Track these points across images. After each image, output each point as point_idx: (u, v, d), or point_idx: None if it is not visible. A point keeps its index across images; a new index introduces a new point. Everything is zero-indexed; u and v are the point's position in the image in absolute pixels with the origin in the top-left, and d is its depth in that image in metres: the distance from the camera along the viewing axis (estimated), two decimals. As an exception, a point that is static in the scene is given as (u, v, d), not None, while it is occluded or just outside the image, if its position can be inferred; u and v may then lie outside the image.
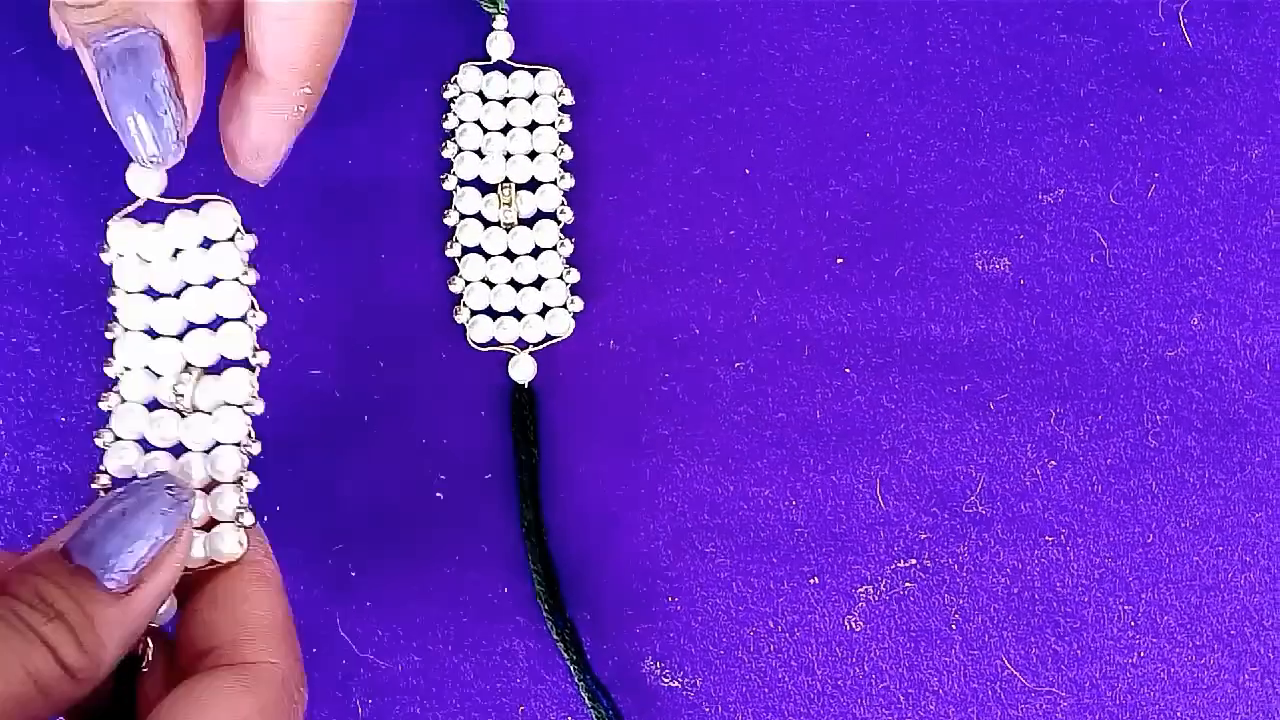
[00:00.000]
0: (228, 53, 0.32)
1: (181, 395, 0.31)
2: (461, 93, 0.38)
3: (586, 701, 0.35)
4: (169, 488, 0.28)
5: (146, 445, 0.31)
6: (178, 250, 0.32)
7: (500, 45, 0.38)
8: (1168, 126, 0.39)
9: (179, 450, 0.31)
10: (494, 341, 0.37)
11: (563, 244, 0.37)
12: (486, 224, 0.38)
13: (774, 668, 0.36)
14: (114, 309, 0.32)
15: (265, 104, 0.31)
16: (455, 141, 0.38)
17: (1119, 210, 0.39)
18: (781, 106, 0.39)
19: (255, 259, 0.32)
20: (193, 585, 0.29)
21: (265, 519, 0.36)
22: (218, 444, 0.31)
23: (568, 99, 0.38)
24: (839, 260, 0.38)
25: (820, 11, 0.39)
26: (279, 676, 0.27)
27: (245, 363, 0.32)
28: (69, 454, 0.36)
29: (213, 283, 0.32)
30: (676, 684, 0.36)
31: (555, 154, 0.38)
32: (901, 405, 0.37)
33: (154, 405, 0.32)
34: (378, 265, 0.37)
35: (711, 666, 0.36)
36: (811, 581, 0.37)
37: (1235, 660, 0.37)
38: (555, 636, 0.35)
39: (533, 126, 0.38)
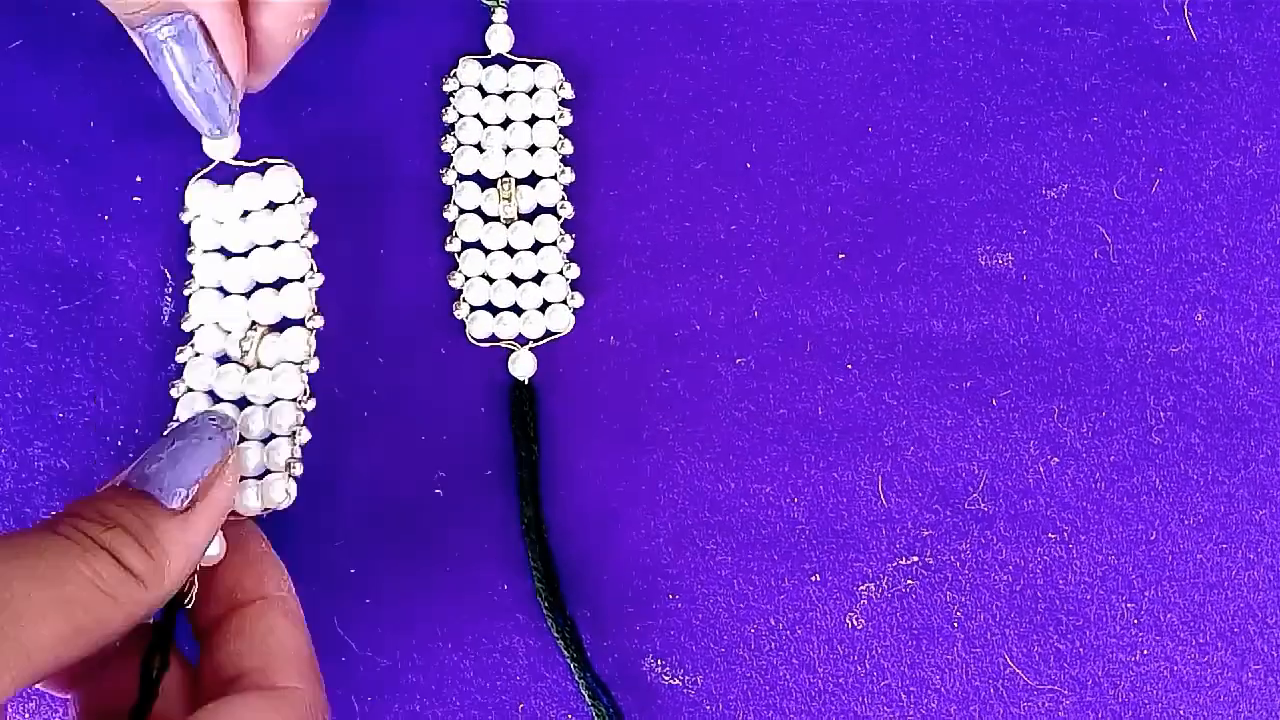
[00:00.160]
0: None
1: (247, 351, 0.34)
2: (461, 86, 0.38)
3: (587, 699, 0.35)
4: (212, 419, 0.31)
5: (215, 398, 0.34)
6: (246, 212, 0.35)
7: (500, 39, 0.38)
8: (1172, 121, 0.39)
9: (243, 403, 0.34)
10: (494, 337, 0.37)
11: (563, 239, 0.37)
12: (486, 219, 0.38)
13: (775, 665, 0.36)
14: (192, 266, 0.35)
15: (273, 22, 0.33)
16: (455, 136, 0.38)
17: (1123, 205, 0.38)
18: (783, 101, 0.39)
19: None
20: (219, 620, 0.31)
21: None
22: (276, 399, 0.34)
23: (568, 93, 0.38)
24: (841, 255, 0.38)
25: (822, 5, 0.39)
26: (305, 701, 0.29)
27: (302, 323, 0.35)
28: (66, 450, 0.36)
29: (277, 244, 0.35)
30: (677, 682, 0.36)
31: (555, 148, 0.38)
32: (904, 402, 0.37)
33: (223, 360, 0.35)
34: (377, 260, 0.37)
35: (712, 664, 0.36)
36: (813, 579, 0.37)
37: (1239, 658, 0.37)
38: (555, 634, 0.35)
39: (533, 121, 0.38)
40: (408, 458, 0.36)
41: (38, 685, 0.27)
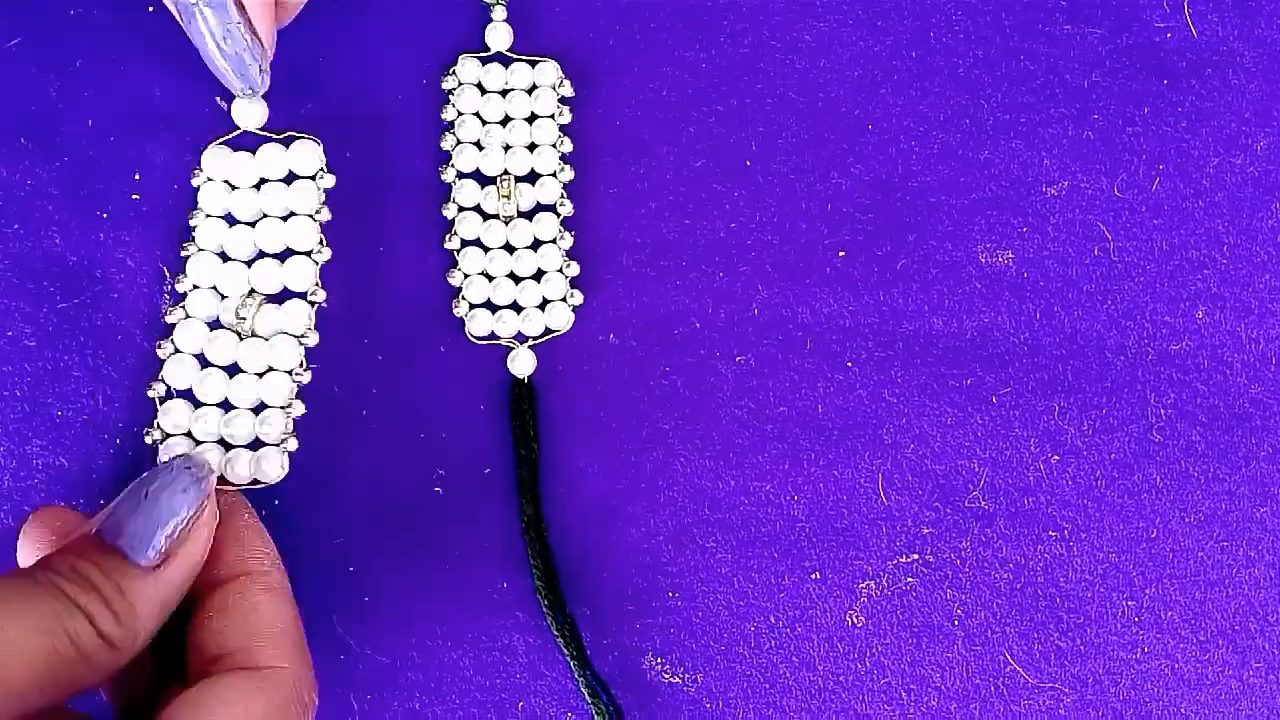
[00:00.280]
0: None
1: (243, 319, 0.34)
2: (460, 84, 0.38)
3: (586, 697, 0.35)
4: (188, 468, 0.30)
5: (204, 361, 0.35)
6: (262, 181, 0.36)
7: (499, 36, 0.38)
8: (1173, 118, 0.39)
9: (234, 370, 0.35)
10: (493, 335, 0.37)
11: (562, 237, 0.37)
12: (486, 217, 0.37)
13: (775, 663, 0.36)
14: (193, 229, 0.35)
15: None
16: (454, 133, 0.38)
17: (1123, 203, 0.38)
18: (783, 98, 0.39)
19: None
20: (202, 594, 0.31)
21: (264, 513, 0.36)
22: (271, 369, 0.35)
23: (567, 91, 0.38)
24: (841, 253, 0.38)
25: (822, 3, 0.39)
26: (290, 680, 0.29)
27: (305, 296, 0.35)
28: (65, 448, 0.36)
29: (287, 216, 0.36)
30: (677, 680, 0.36)
31: (555, 146, 0.38)
32: (903, 399, 0.37)
33: (214, 325, 0.35)
34: (376, 258, 0.37)
35: (712, 662, 0.36)
36: (813, 577, 0.37)
37: (1239, 656, 0.37)
38: (555, 632, 0.35)
39: (532, 118, 0.38)
40: (407, 456, 0.36)
41: None
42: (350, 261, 0.37)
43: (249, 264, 0.36)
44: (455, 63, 0.38)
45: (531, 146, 0.38)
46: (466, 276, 0.37)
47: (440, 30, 0.38)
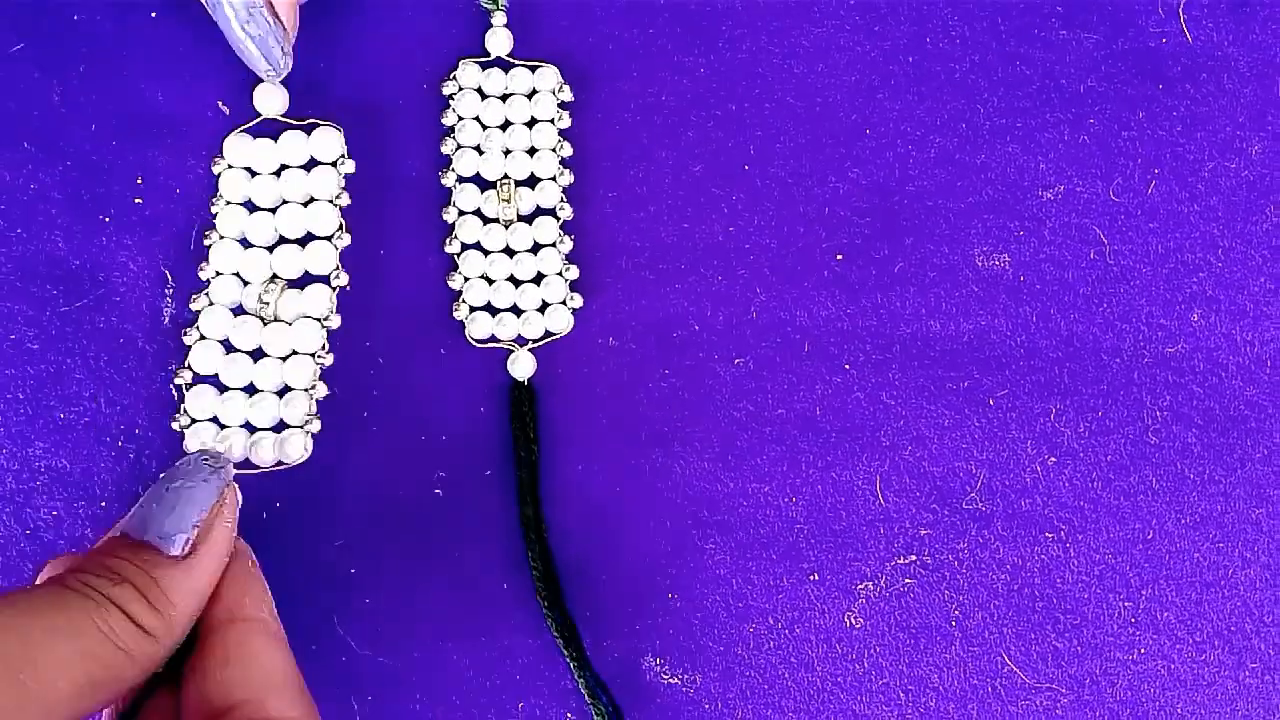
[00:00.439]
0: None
1: (266, 304, 0.35)
2: (460, 89, 0.38)
3: (586, 698, 0.35)
4: (205, 460, 0.31)
5: (229, 347, 0.35)
6: (282, 167, 0.36)
7: (499, 41, 0.38)
8: (1168, 123, 0.39)
9: (258, 355, 0.35)
10: (493, 338, 0.37)
11: (562, 240, 0.37)
12: (486, 220, 0.38)
13: (774, 664, 0.36)
14: (214, 216, 0.36)
15: None
16: (454, 138, 0.38)
17: (1119, 206, 0.39)
18: (781, 103, 0.39)
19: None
20: (201, 637, 0.30)
21: (264, 515, 0.36)
22: (294, 353, 0.35)
23: (567, 95, 0.38)
24: (839, 256, 0.38)
25: (820, 8, 0.39)
26: None
27: (326, 280, 0.36)
28: (67, 450, 0.36)
29: (308, 202, 0.36)
30: (676, 681, 0.36)
31: (554, 150, 0.38)
32: (901, 402, 0.37)
33: (238, 311, 0.36)
34: (377, 261, 0.37)
35: (711, 663, 0.36)
36: (811, 578, 0.37)
37: (1236, 656, 0.37)
38: (555, 633, 0.35)
39: (532, 123, 0.38)
40: (407, 458, 0.36)
41: None
42: (351, 265, 0.37)
43: (270, 249, 0.36)
44: (456, 67, 0.38)
45: (531, 151, 0.38)
46: (467, 280, 0.37)
47: (440, 35, 0.39)
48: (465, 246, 0.37)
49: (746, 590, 0.37)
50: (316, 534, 0.36)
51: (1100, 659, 0.37)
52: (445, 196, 0.38)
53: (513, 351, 0.37)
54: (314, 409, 0.35)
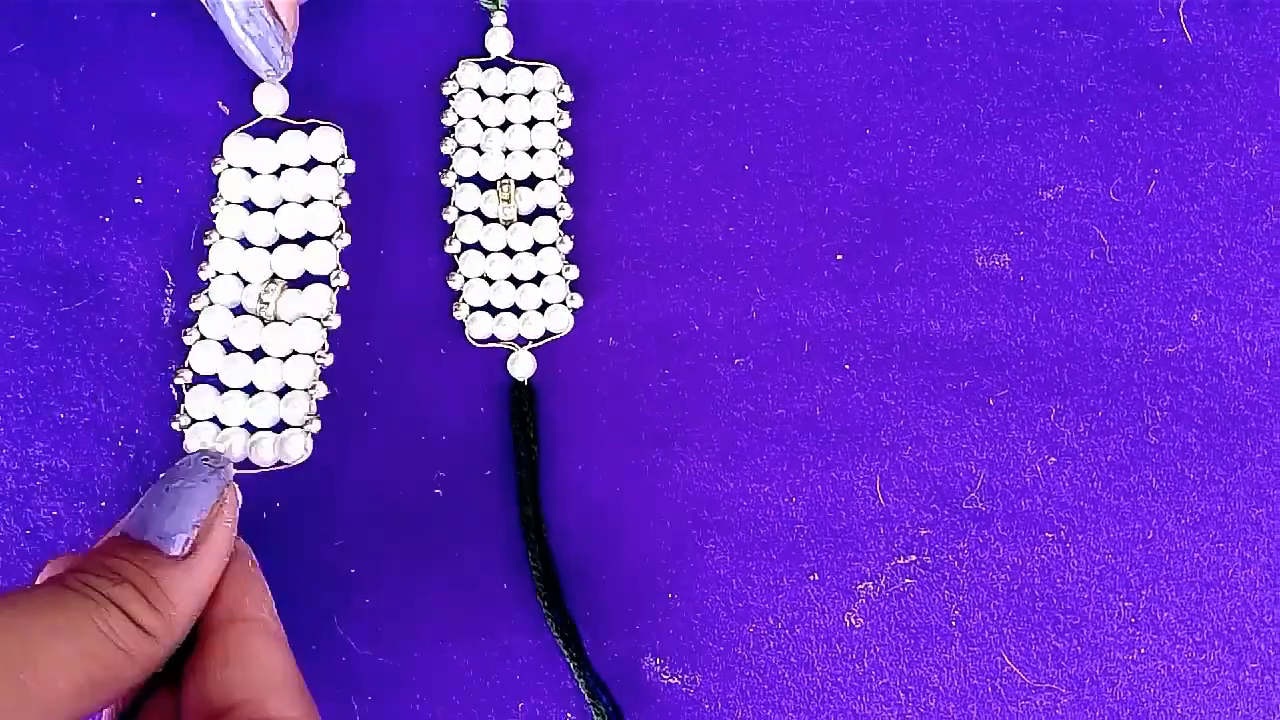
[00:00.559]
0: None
1: (266, 303, 0.35)
2: (460, 89, 0.38)
3: (586, 698, 0.35)
4: (205, 459, 0.31)
5: (229, 347, 0.35)
6: (282, 167, 0.36)
7: (499, 41, 0.38)
8: (1168, 123, 0.39)
9: (258, 355, 0.35)
10: (493, 338, 0.37)
11: (562, 240, 0.37)
12: (486, 220, 0.38)
13: (774, 664, 0.36)
14: (214, 216, 0.36)
15: None
16: (454, 138, 0.38)
17: (1119, 206, 0.39)
18: (781, 103, 0.39)
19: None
20: (201, 637, 0.30)
21: (264, 515, 0.36)
22: (294, 353, 0.35)
23: (567, 95, 0.38)
24: (839, 256, 0.38)
25: (820, 8, 0.39)
26: None
27: (326, 280, 0.36)
28: (67, 450, 0.36)
29: (308, 202, 0.36)
30: (676, 681, 0.36)
31: (554, 150, 0.38)
32: (901, 402, 0.37)
33: (238, 311, 0.36)
34: (377, 261, 0.37)
35: (711, 663, 0.36)
36: (811, 578, 0.37)
37: (1235, 656, 0.37)
38: (555, 633, 0.35)
39: (532, 123, 0.38)
40: (407, 458, 0.36)
41: None
42: (351, 265, 0.37)
43: (270, 250, 0.36)
44: (456, 67, 0.38)
45: (531, 151, 0.38)
46: (467, 280, 0.37)
47: (440, 35, 0.39)
48: (465, 246, 0.37)
49: (746, 590, 0.37)
50: (316, 534, 0.36)
51: (1100, 659, 0.37)
52: (445, 196, 0.38)
53: (513, 351, 0.37)
54: (314, 409, 0.35)
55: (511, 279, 0.37)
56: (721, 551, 0.37)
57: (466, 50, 0.38)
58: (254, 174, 0.36)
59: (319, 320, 0.36)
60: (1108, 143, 0.39)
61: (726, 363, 0.37)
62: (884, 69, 0.39)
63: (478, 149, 0.38)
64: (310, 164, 0.37)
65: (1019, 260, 0.38)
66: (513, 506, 0.36)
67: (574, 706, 0.36)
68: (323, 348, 0.35)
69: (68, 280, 0.37)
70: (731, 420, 0.37)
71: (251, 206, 0.36)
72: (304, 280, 0.36)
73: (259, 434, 0.35)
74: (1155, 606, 0.37)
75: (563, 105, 0.38)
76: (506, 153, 0.38)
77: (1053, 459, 0.37)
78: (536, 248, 0.38)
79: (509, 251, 0.38)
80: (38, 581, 0.30)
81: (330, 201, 0.36)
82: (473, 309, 0.37)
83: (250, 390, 0.35)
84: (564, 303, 0.37)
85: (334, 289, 0.36)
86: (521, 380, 0.37)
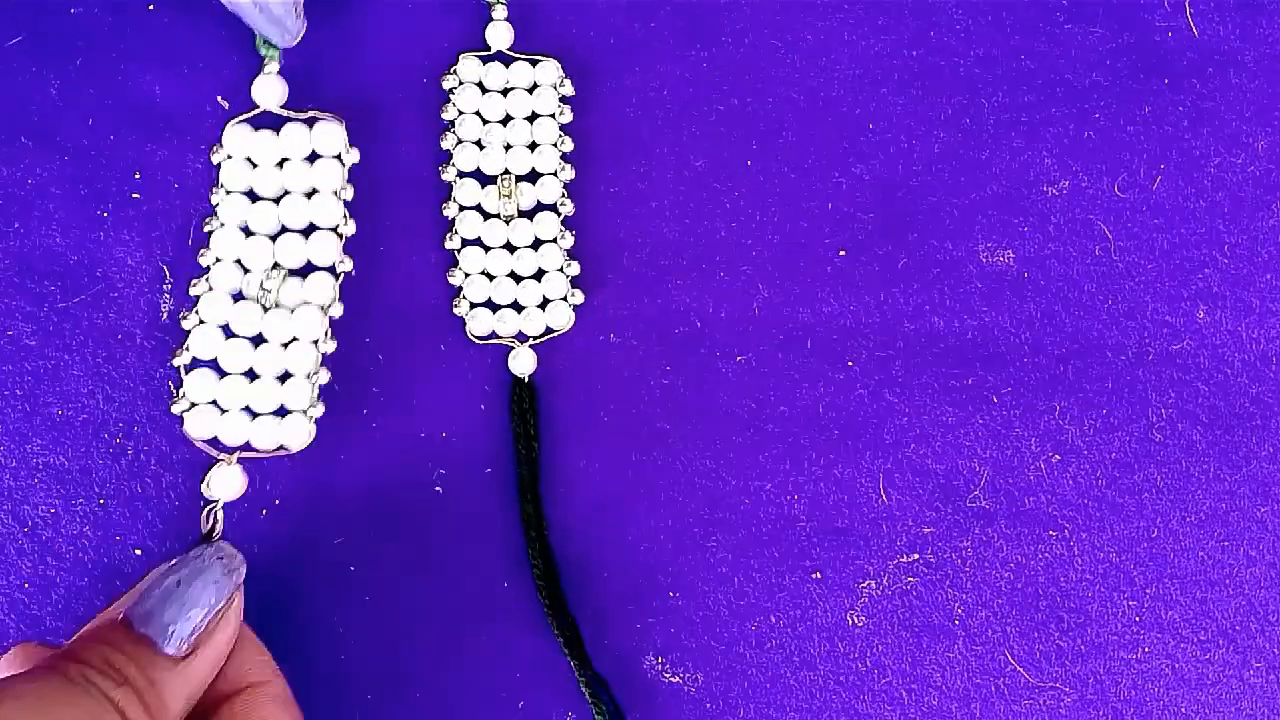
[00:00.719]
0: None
1: (268, 291, 0.35)
2: (461, 83, 0.38)
3: (587, 697, 0.35)
4: (220, 557, 0.31)
5: (228, 332, 0.35)
6: (284, 160, 0.36)
7: (500, 35, 0.38)
8: (1174, 118, 0.39)
9: (258, 340, 0.35)
10: (494, 334, 0.37)
11: (563, 236, 0.37)
12: (486, 216, 0.37)
13: (776, 663, 0.36)
14: (215, 205, 0.36)
15: None
16: (454, 132, 0.38)
17: (1124, 202, 0.38)
18: (783, 98, 0.39)
19: None
20: (206, 711, 0.30)
21: (264, 513, 0.36)
22: (295, 339, 0.35)
23: (568, 90, 0.38)
24: (841, 253, 0.38)
25: (823, 2, 0.39)
26: None
27: (331, 268, 0.36)
28: (65, 447, 0.36)
29: (311, 193, 0.36)
30: (678, 679, 0.36)
31: (555, 145, 0.38)
32: (904, 399, 0.37)
33: (238, 297, 0.36)
34: (376, 257, 0.37)
35: (713, 662, 0.36)
36: (814, 576, 0.37)
37: (1240, 655, 0.37)
38: (555, 632, 0.35)
39: (533, 118, 0.38)
40: (407, 455, 0.36)
41: None
42: (350, 260, 0.37)
43: (273, 239, 0.36)
44: (456, 61, 0.38)
45: (532, 145, 0.38)
46: (467, 275, 0.37)
47: (441, 29, 0.38)
48: (466, 242, 0.37)
49: (748, 588, 0.36)
50: (316, 532, 0.36)
51: (1104, 658, 0.36)
52: (445, 191, 0.37)
53: (513, 348, 0.37)
54: (317, 394, 0.35)
55: (512, 275, 0.37)
56: (723, 549, 0.37)
57: (467, 44, 0.38)
58: (254, 165, 0.36)
59: (322, 308, 0.35)
60: (1113, 138, 0.39)
61: (728, 359, 0.37)
62: (887, 64, 0.39)
63: (478, 144, 0.38)
64: (312, 157, 0.36)
65: (1023, 256, 0.38)
66: (513, 504, 0.36)
67: (574, 705, 0.36)
68: (325, 334, 0.35)
69: (65, 276, 0.36)
70: (733, 417, 0.37)
71: (253, 196, 0.36)
72: (306, 269, 0.36)
73: (260, 419, 0.35)
74: (1159, 605, 0.37)
75: (564, 100, 0.38)
76: (507, 147, 0.38)
77: (1057, 456, 0.37)
78: (537, 243, 0.37)
79: (509, 247, 0.37)
80: (2, 660, 0.30)
81: (335, 194, 0.36)
82: (473, 305, 0.37)
83: (251, 375, 0.35)
84: (565, 299, 0.37)
85: (338, 276, 0.36)
86: (522, 377, 0.37)
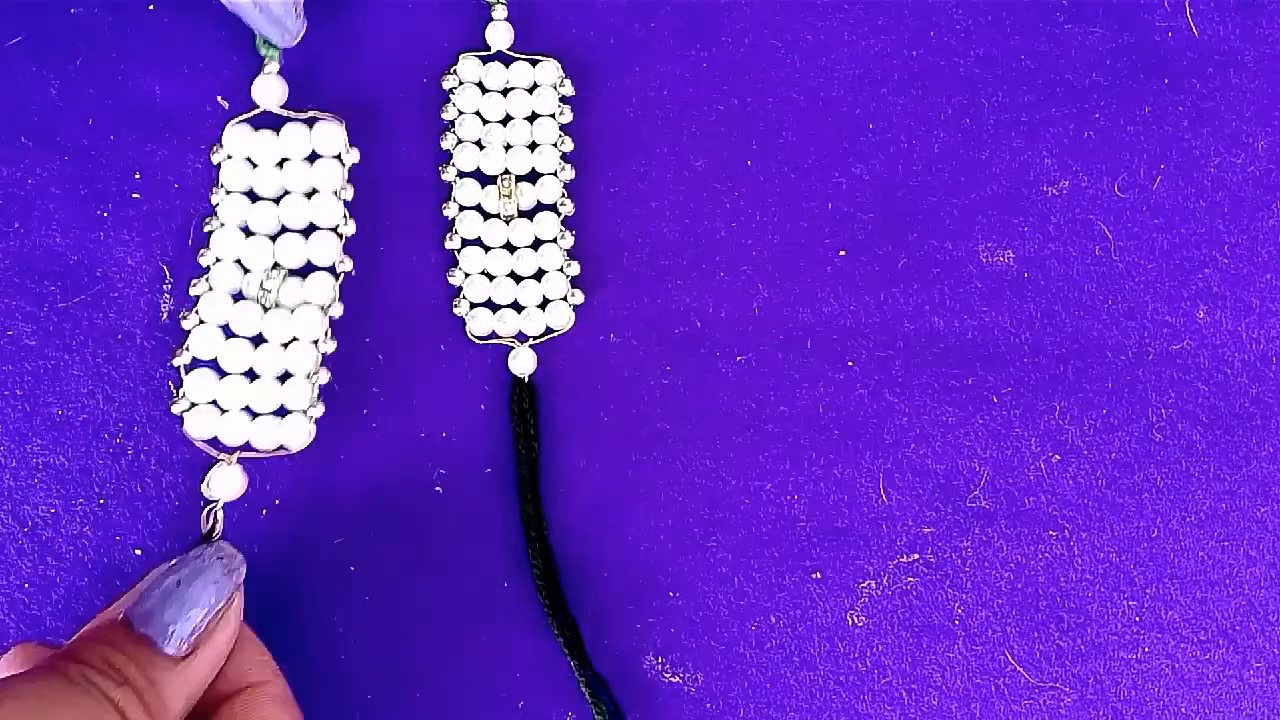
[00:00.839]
0: None
1: (268, 291, 0.35)
2: (461, 83, 0.38)
3: (587, 697, 0.35)
4: (220, 558, 0.30)
5: (228, 332, 0.35)
6: (284, 160, 0.36)
7: (500, 35, 0.38)
8: (1174, 118, 0.39)
9: (259, 340, 0.35)
10: (494, 334, 0.37)
11: (563, 236, 0.37)
12: (486, 216, 0.37)
13: (776, 663, 0.36)
14: (215, 205, 0.36)
15: None
16: (454, 132, 0.38)
17: (1124, 202, 0.38)
18: (783, 98, 0.39)
19: None
20: (207, 711, 0.30)
21: (264, 513, 0.36)
22: (295, 339, 0.35)
23: (568, 90, 0.38)
24: (841, 253, 0.38)
25: (823, 2, 0.39)
26: None
27: (331, 268, 0.36)
28: (65, 447, 0.36)
29: (311, 193, 0.36)
30: (678, 679, 0.36)
31: (555, 145, 0.38)
32: (904, 399, 0.37)
33: (238, 297, 0.36)
34: (376, 257, 0.37)
35: (713, 662, 0.36)
36: (814, 576, 0.37)
37: (1240, 655, 0.37)
38: (555, 632, 0.35)
39: (533, 118, 0.38)
40: (407, 455, 0.36)
41: None
42: (350, 260, 0.37)
43: (273, 239, 0.36)
44: (456, 61, 0.38)
45: (532, 145, 0.38)
46: (467, 275, 0.37)
47: (441, 29, 0.38)
48: (466, 242, 0.37)
49: (748, 588, 0.36)
50: (316, 532, 0.36)
51: (1104, 658, 0.36)
52: (445, 192, 0.37)
53: (513, 348, 0.37)
54: (317, 394, 0.35)
55: (512, 275, 0.37)
56: (723, 549, 0.37)
57: (467, 44, 0.38)
58: (254, 165, 0.36)
59: (321, 308, 0.35)
60: (1113, 138, 0.39)
61: (728, 359, 0.37)
62: (887, 63, 0.39)
63: (478, 144, 0.38)
64: (312, 157, 0.36)
65: (1023, 256, 0.38)
66: (513, 504, 0.36)
67: (574, 705, 0.36)
68: (325, 334, 0.35)
69: (65, 276, 0.36)
70: (733, 417, 0.37)
71: (253, 196, 0.36)
72: (306, 269, 0.36)
73: (260, 418, 0.35)
74: (1159, 605, 0.37)
75: (564, 99, 0.38)
76: (507, 147, 0.38)
77: (1057, 456, 0.37)
78: (537, 243, 0.37)
79: (510, 247, 0.37)
80: (2, 660, 0.30)
81: (334, 193, 0.36)
82: (473, 305, 0.37)
83: (251, 375, 0.35)
84: (565, 299, 0.37)
85: (338, 276, 0.36)
86: (522, 377, 0.37)
